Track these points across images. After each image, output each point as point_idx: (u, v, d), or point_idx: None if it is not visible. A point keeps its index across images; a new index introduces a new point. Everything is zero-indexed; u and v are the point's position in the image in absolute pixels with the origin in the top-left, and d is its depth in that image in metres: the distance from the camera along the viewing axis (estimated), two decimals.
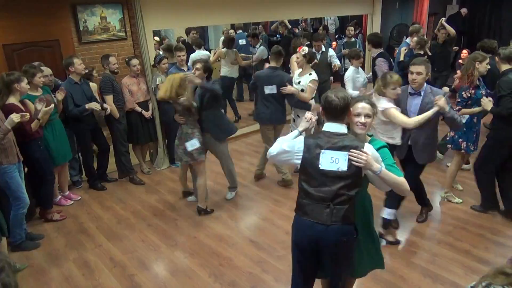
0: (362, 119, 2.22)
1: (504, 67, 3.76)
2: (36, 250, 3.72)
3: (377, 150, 2.18)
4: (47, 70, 4.29)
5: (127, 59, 4.95)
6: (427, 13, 9.61)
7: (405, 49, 5.78)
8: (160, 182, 5.09)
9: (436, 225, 3.86)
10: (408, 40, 6.20)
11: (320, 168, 2.11)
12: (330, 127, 2.18)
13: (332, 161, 2.09)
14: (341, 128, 2.16)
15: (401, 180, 2.15)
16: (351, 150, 2.06)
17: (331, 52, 6.08)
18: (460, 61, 6.21)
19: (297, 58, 4.51)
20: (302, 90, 4.40)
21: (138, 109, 5.00)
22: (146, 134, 5.21)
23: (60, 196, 4.56)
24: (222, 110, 4.39)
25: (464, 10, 8.61)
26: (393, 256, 3.40)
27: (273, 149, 2.29)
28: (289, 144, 2.24)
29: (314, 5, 7.10)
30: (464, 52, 6.30)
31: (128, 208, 4.31)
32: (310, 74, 4.44)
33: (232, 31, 8.25)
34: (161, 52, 5.75)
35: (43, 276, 3.37)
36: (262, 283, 3.16)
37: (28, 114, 3.50)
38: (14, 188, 3.49)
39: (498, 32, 9.03)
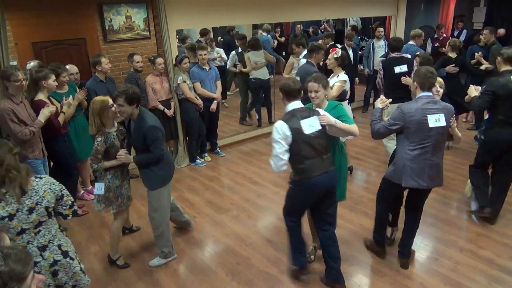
0: (312, 94, 3.01)
1: (504, 67, 3.71)
2: None
3: (335, 106, 3.02)
4: (73, 69, 4.41)
5: (151, 58, 5.03)
6: (453, 15, 9.41)
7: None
8: (180, 179, 5.15)
9: (458, 232, 3.77)
10: (412, 42, 6.11)
11: (305, 133, 2.74)
12: (294, 105, 2.84)
13: (310, 125, 2.77)
14: (300, 104, 2.85)
15: (351, 127, 2.92)
16: (319, 116, 2.81)
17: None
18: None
19: (329, 60, 4.45)
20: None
21: (161, 107, 5.07)
22: (167, 132, 5.28)
23: (83, 191, 4.68)
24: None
25: (501, 31, 8.41)
26: (414, 262, 3.34)
27: (273, 163, 2.81)
28: (278, 141, 2.75)
29: (337, 6, 7.05)
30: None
31: (148, 204, 4.37)
32: (337, 76, 4.35)
33: (260, 31, 8.32)
34: (185, 51, 5.82)
35: None
36: (278, 284, 3.16)
37: (55, 107, 3.66)
38: None
39: None
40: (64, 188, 2.37)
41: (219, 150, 6.01)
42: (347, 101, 4.49)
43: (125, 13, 5.08)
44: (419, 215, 3.25)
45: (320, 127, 2.79)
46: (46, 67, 4.00)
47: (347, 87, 4.44)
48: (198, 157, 5.69)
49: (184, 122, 5.47)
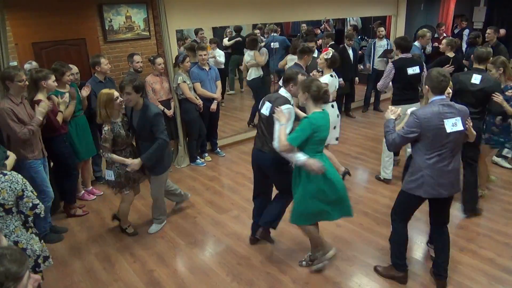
0: None
1: (474, 65, 3.90)
2: (60, 242, 3.83)
3: (303, 120, 2.91)
4: (74, 69, 4.41)
5: (151, 58, 5.03)
6: (453, 15, 9.41)
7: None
8: (180, 180, 5.15)
9: (459, 232, 3.77)
10: (416, 43, 6.13)
11: (261, 111, 3.26)
12: (279, 90, 3.24)
13: (266, 108, 3.19)
14: (284, 92, 3.18)
15: (281, 137, 2.85)
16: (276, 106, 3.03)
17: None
18: None
19: (319, 60, 4.47)
20: None
21: (161, 107, 5.05)
22: (167, 132, 5.27)
23: (83, 191, 4.68)
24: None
25: (502, 32, 8.41)
26: (414, 262, 3.34)
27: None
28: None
29: (337, 6, 7.05)
30: None
31: (148, 204, 4.37)
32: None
33: (257, 31, 8.29)
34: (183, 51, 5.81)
35: (65, 268, 3.46)
36: (279, 284, 3.16)
37: (51, 103, 3.67)
38: (39, 182, 3.59)
39: None
40: (28, 189, 2.40)
41: (219, 150, 6.01)
42: (332, 103, 4.44)
43: (125, 13, 5.09)
44: (447, 229, 3.03)
45: (267, 115, 3.17)
46: (45, 68, 4.00)
47: (331, 90, 4.36)
48: (198, 157, 5.69)
49: (184, 122, 5.47)
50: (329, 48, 4.56)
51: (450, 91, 3.30)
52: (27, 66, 4.23)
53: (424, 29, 6.43)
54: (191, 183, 5.05)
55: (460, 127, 2.70)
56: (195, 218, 4.21)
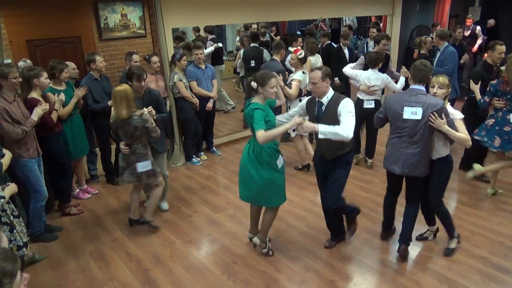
0: (274, 89, 3.08)
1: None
2: (55, 242, 3.81)
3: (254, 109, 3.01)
4: (71, 64, 4.42)
5: (147, 56, 5.01)
6: (448, 15, 9.44)
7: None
8: (176, 178, 5.14)
9: None
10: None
11: None
12: None
13: None
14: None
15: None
16: None
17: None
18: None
19: (292, 60, 4.83)
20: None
21: None
22: (162, 131, 5.25)
23: (78, 190, 4.66)
24: None
25: (491, 22, 8.46)
26: (409, 260, 3.36)
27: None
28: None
29: (333, 5, 7.06)
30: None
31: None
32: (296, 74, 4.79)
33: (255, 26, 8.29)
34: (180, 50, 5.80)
35: (60, 267, 3.44)
36: (275, 283, 3.16)
37: (48, 104, 3.63)
38: (34, 181, 3.57)
39: None
40: None
41: (215, 149, 6.00)
42: (300, 98, 4.70)
43: (120, 11, 5.06)
44: (411, 205, 3.31)
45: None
46: (40, 65, 3.98)
47: (303, 85, 4.80)
48: (194, 156, 5.68)
49: (180, 121, 5.46)
50: (300, 49, 4.97)
51: (440, 90, 3.02)
52: (21, 64, 4.21)
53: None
54: (187, 182, 5.04)
55: (418, 116, 2.94)
56: (190, 217, 4.20)
